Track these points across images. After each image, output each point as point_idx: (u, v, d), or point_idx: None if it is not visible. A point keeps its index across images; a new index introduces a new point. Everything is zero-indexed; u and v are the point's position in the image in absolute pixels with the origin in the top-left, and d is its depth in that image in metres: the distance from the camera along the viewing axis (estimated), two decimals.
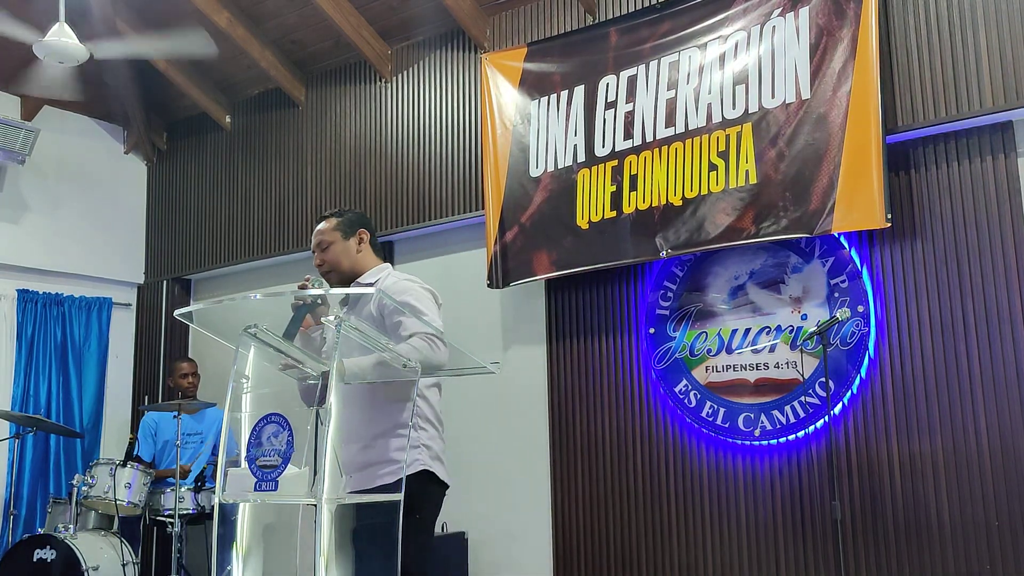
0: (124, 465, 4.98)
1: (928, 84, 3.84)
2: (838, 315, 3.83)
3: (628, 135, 4.49)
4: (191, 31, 5.50)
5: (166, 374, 6.39)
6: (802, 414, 4.02)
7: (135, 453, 5.25)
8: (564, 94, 4.73)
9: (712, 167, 4.20)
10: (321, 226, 2.99)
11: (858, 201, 3.79)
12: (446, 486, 2.80)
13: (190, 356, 6.31)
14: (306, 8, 5.39)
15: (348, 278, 2.94)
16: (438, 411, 2.83)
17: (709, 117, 4.24)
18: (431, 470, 2.71)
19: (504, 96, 4.94)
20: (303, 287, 2.64)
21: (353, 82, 5.80)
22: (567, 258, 4.61)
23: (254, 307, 2.37)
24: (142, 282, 6.78)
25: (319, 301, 2.65)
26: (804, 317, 4.09)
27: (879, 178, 3.74)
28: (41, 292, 6.18)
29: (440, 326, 2.65)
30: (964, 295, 3.75)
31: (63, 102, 6.30)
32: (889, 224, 3.74)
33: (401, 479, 2.56)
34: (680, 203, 4.27)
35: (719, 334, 4.30)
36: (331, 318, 2.24)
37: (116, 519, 5.03)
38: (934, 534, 3.68)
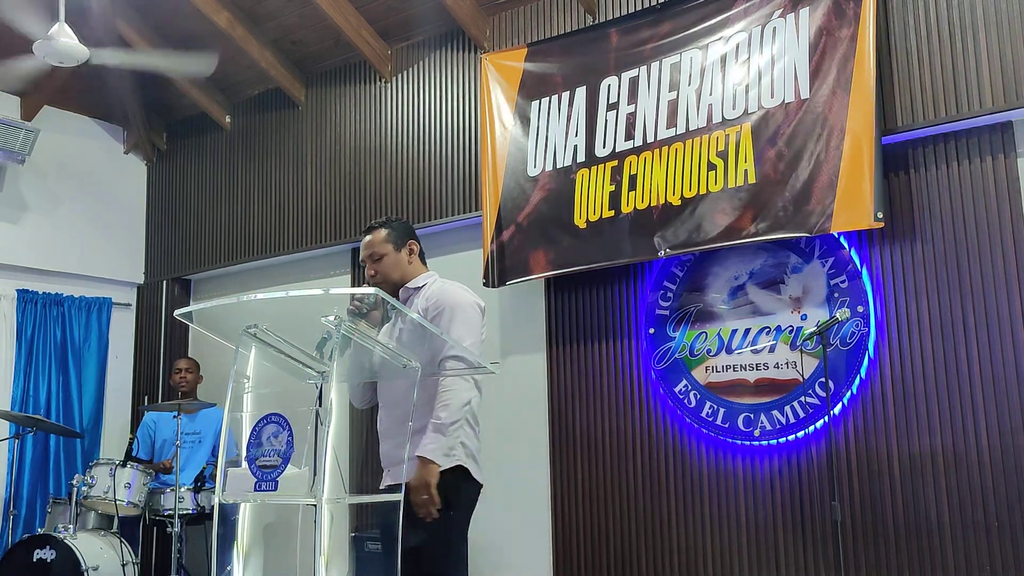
0: (124, 465, 4.98)
1: (928, 84, 3.84)
2: (838, 315, 3.82)
3: (629, 136, 4.49)
4: (195, 51, 5.54)
5: (166, 374, 6.40)
6: (802, 414, 4.02)
7: (134, 453, 5.25)
8: (565, 95, 4.73)
9: (711, 167, 4.20)
10: (370, 238, 2.99)
11: (855, 201, 3.79)
12: (480, 486, 2.85)
13: (190, 355, 6.31)
14: (306, 8, 5.39)
15: (398, 288, 2.98)
16: (476, 411, 2.90)
17: (710, 117, 4.24)
18: (466, 466, 2.77)
19: (504, 96, 4.94)
20: (360, 298, 2.70)
21: (353, 82, 5.80)
22: (565, 257, 4.61)
23: (254, 307, 2.37)
24: (142, 282, 6.79)
25: (373, 307, 2.75)
26: (804, 317, 4.09)
27: (871, 177, 3.75)
28: (41, 292, 6.18)
29: (478, 343, 2.82)
30: (964, 295, 3.75)
31: (63, 102, 6.31)
32: (881, 224, 3.74)
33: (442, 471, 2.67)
34: (679, 203, 4.27)
35: (719, 334, 4.30)
36: (331, 318, 2.24)
37: (116, 519, 5.03)
38: (934, 534, 3.68)
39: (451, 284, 2.96)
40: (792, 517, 4.01)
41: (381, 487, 2.83)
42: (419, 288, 2.95)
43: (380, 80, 5.64)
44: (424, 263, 3.07)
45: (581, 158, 4.62)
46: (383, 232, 2.98)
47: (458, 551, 2.74)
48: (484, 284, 4.83)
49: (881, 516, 3.81)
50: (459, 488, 2.74)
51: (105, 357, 6.47)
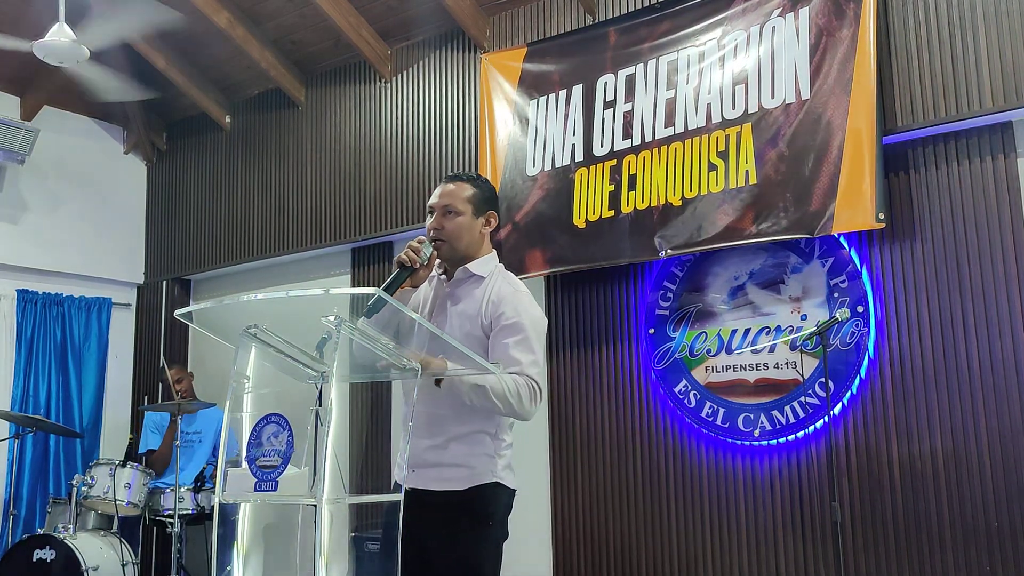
0: (124, 465, 4.99)
1: (928, 84, 3.84)
2: (838, 315, 3.82)
3: (627, 135, 4.49)
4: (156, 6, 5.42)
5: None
6: (802, 414, 4.02)
7: (140, 450, 5.25)
8: (563, 93, 4.73)
9: (712, 167, 4.20)
10: (451, 188, 2.62)
11: (856, 201, 3.79)
12: (514, 491, 2.65)
13: (188, 357, 6.31)
14: (306, 8, 5.39)
15: (457, 256, 2.62)
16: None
17: (709, 117, 4.24)
18: (502, 482, 2.57)
19: (503, 96, 4.94)
20: (415, 249, 2.51)
21: (353, 82, 5.80)
22: (562, 256, 4.61)
23: (254, 307, 2.36)
24: (142, 282, 6.79)
25: (426, 263, 2.53)
26: (804, 317, 4.09)
27: (871, 178, 3.75)
28: (41, 292, 6.18)
29: (543, 362, 2.50)
30: (964, 295, 3.75)
31: (63, 102, 6.31)
32: (882, 224, 3.74)
33: (473, 487, 2.51)
34: (679, 203, 4.27)
35: (719, 334, 4.30)
36: (331, 318, 2.22)
37: (116, 519, 5.03)
38: (934, 535, 3.68)
39: (522, 290, 2.61)
40: (792, 517, 4.01)
41: (404, 484, 2.71)
42: (482, 278, 2.62)
43: (380, 80, 5.64)
44: (491, 242, 2.74)
45: (579, 157, 4.62)
46: (469, 189, 2.62)
47: (496, 560, 2.65)
48: None
49: (881, 516, 3.81)
50: (496, 499, 2.56)
51: (105, 357, 6.47)
